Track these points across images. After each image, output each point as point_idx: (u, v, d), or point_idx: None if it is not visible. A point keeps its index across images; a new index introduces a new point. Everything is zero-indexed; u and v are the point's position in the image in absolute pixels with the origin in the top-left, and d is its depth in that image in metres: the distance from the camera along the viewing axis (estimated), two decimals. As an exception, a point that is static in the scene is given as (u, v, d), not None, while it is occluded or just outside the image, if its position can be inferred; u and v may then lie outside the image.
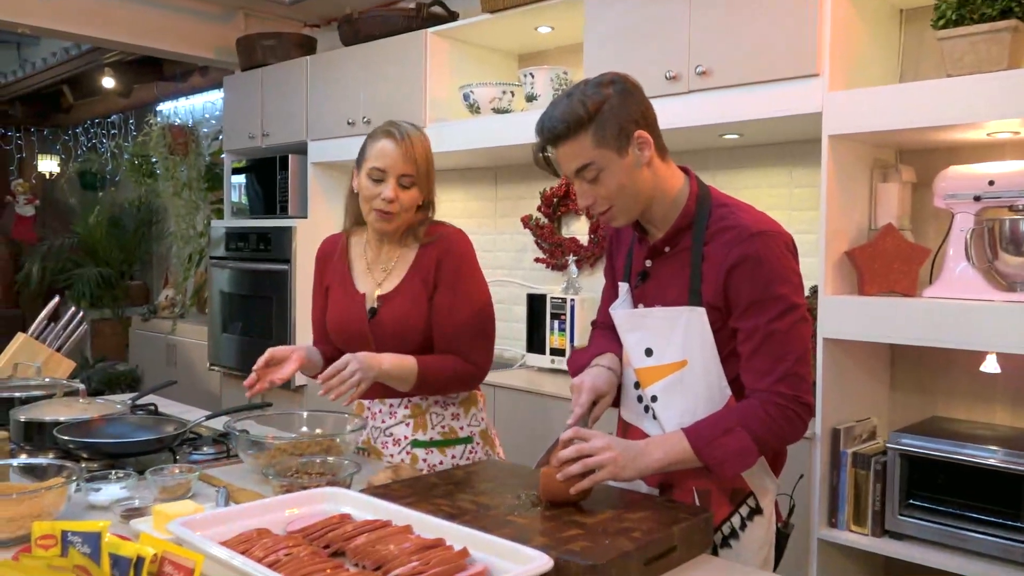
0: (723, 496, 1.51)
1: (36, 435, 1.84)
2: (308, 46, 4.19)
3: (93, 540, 0.90)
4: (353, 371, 1.76)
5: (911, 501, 2.22)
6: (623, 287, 1.66)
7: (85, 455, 1.76)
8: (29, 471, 1.58)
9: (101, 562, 0.89)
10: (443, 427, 1.96)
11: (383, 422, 1.98)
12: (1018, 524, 2.04)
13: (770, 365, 1.44)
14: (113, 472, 1.60)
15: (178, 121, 5.65)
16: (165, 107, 6.34)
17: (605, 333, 1.75)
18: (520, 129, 3.04)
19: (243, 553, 1.18)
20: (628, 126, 1.48)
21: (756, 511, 1.53)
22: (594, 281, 3.38)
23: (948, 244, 2.28)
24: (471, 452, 1.96)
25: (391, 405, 1.97)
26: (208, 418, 2.01)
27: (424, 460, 1.93)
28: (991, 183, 2.18)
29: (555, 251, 3.48)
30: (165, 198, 5.85)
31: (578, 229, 3.46)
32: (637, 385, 1.61)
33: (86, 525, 0.93)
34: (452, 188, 3.97)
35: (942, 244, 2.31)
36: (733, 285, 1.46)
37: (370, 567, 1.19)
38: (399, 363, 1.85)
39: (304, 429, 1.96)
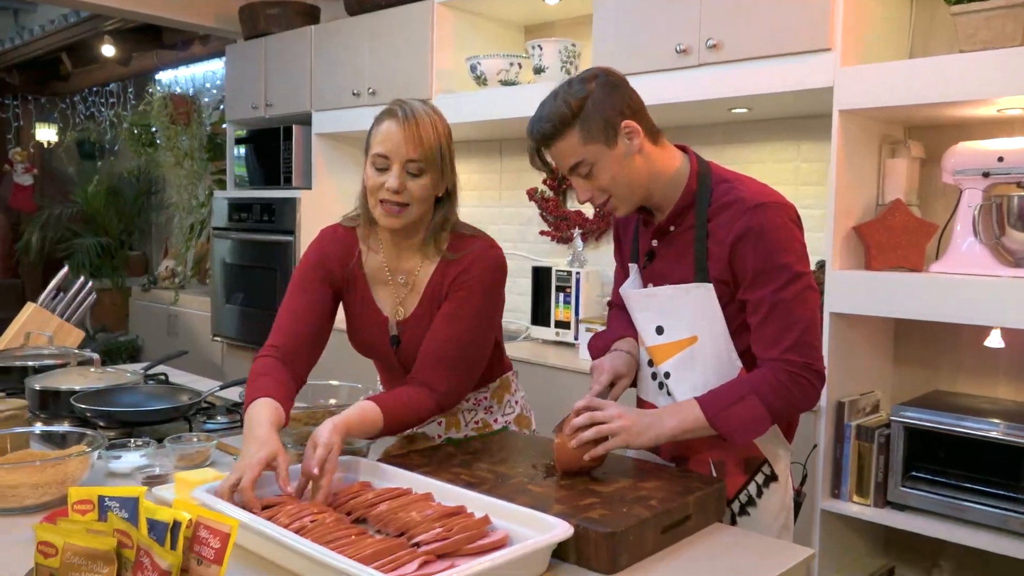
0: (738, 466, 1.54)
1: (52, 403, 1.86)
2: (312, 15, 4.16)
3: (130, 505, 0.91)
4: (321, 458, 1.37)
5: (913, 473, 2.25)
6: (633, 268, 1.67)
7: (102, 423, 1.78)
8: (48, 438, 1.59)
9: (140, 526, 0.91)
10: (476, 422, 1.84)
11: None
12: (1018, 496, 2.07)
13: (779, 334, 1.45)
14: (132, 440, 1.62)
15: (179, 90, 5.61)
16: (164, 76, 6.29)
17: (620, 315, 1.77)
18: (528, 101, 3.02)
19: (269, 520, 1.21)
20: (614, 118, 1.48)
21: (772, 478, 1.56)
22: (599, 255, 3.39)
23: (956, 220, 2.29)
24: None
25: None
26: (222, 388, 2.02)
27: None
28: (1000, 159, 2.19)
29: (560, 224, 3.48)
30: (165, 168, 5.83)
31: (583, 202, 3.45)
32: (651, 363, 1.63)
33: (123, 490, 0.95)
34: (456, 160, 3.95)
35: (950, 220, 2.33)
36: (738, 257, 1.47)
37: (393, 533, 1.22)
38: (357, 417, 1.51)
39: (320, 400, 1.98)
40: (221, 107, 5.34)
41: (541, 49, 2.97)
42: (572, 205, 3.51)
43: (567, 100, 1.47)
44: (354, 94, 3.63)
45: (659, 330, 1.57)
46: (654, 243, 1.61)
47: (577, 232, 3.30)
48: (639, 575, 1.19)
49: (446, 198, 1.67)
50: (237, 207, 4.20)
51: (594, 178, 1.50)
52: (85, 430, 1.54)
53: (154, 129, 5.61)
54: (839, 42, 2.26)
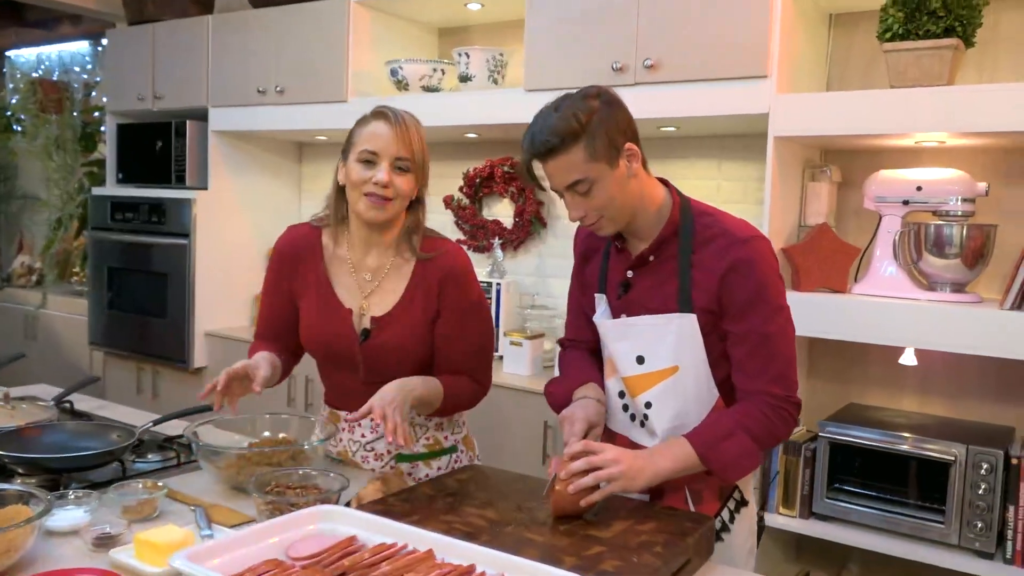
0: (713, 494, 1.56)
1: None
2: (205, 3, 3.89)
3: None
4: (380, 415, 1.55)
5: (835, 485, 2.36)
6: (600, 298, 1.65)
7: (21, 471, 1.59)
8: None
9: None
10: (428, 439, 1.86)
11: (363, 436, 1.84)
12: (933, 505, 2.21)
13: (762, 367, 1.48)
14: (72, 492, 1.45)
15: (42, 72, 5.12)
16: (19, 54, 5.72)
17: (579, 356, 1.74)
18: (451, 109, 2.96)
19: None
20: (617, 138, 1.47)
21: (742, 503, 1.59)
22: (517, 264, 3.37)
23: (876, 244, 2.42)
24: (455, 461, 1.89)
25: (373, 421, 1.72)
26: (156, 423, 1.85)
27: (409, 474, 1.84)
28: (919, 188, 2.32)
29: (477, 233, 3.43)
30: (23, 156, 5.32)
31: (500, 211, 3.42)
32: (622, 394, 1.63)
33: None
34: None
35: (870, 243, 2.45)
36: (727, 289, 1.49)
37: (401, 598, 1.15)
38: (431, 388, 1.72)
39: (267, 434, 1.85)
40: (93, 93, 4.93)
41: (468, 57, 2.90)
42: (488, 214, 3.46)
43: (575, 115, 1.44)
44: (259, 92, 3.43)
45: (640, 360, 1.56)
46: (629, 273, 1.60)
47: (497, 242, 3.26)
48: (659, 628, 1.17)
49: (418, 201, 1.79)
50: (120, 206, 3.88)
51: (592, 197, 1.48)
52: (12, 485, 1.36)
53: (8, 113, 5.11)
54: (775, 69, 2.33)
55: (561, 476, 1.38)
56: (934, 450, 2.20)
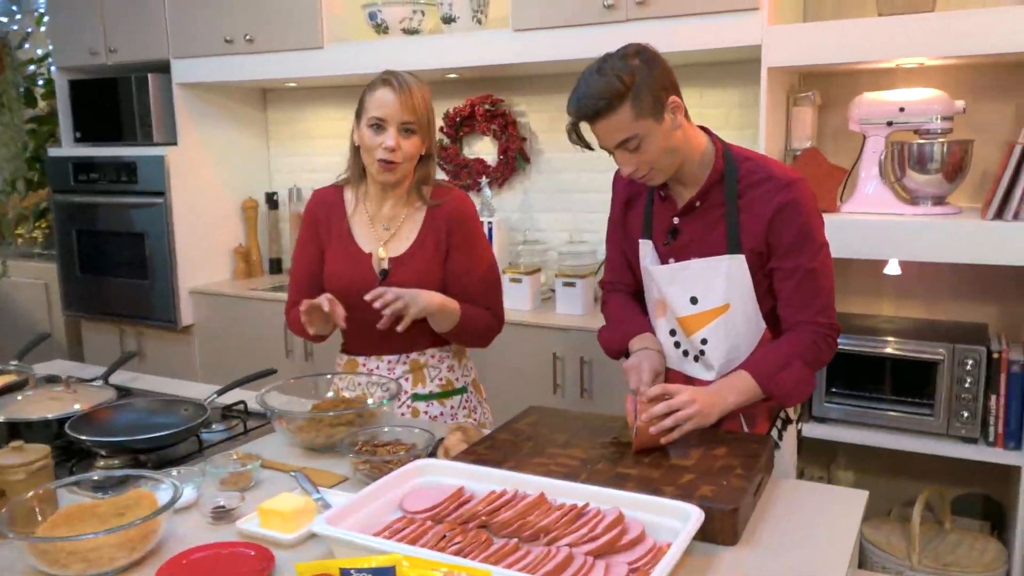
0: (764, 417, 1.71)
1: (31, 437, 1.66)
2: (150, -54, 3.70)
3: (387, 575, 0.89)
4: (394, 296, 1.79)
5: (832, 389, 2.57)
6: (647, 244, 1.75)
7: (103, 452, 1.63)
8: (78, 483, 1.44)
9: (406, 596, 0.89)
10: (441, 379, 2.01)
11: (380, 379, 1.96)
12: (922, 400, 2.44)
13: (808, 300, 1.62)
14: (175, 470, 1.51)
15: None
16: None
17: (624, 301, 1.85)
18: (436, 52, 2.96)
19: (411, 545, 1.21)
20: (660, 94, 1.55)
21: (788, 421, 1.75)
22: (503, 201, 3.43)
23: (861, 164, 2.57)
24: (467, 401, 2.04)
25: (389, 362, 1.99)
26: (220, 393, 1.90)
27: (425, 412, 1.98)
28: (902, 109, 2.46)
29: (460, 172, 3.47)
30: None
31: (482, 149, 3.46)
32: (673, 332, 1.75)
33: (368, 560, 0.91)
34: (341, 107, 3.78)
35: (855, 164, 2.60)
36: (775, 229, 1.60)
37: (525, 539, 1.25)
38: (446, 303, 1.89)
39: (330, 394, 1.92)
40: (26, 45, 4.68)
41: (451, -2, 2.88)
42: (470, 153, 3.49)
43: (619, 76, 1.51)
44: (227, 41, 3.34)
45: (693, 300, 1.67)
46: (676, 220, 1.70)
47: (485, 180, 3.31)
48: (757, 539, 1.32)
49: (427, 156, 1.94)
50: (84, 166, 3.76)
51: (642, 152, 1.56)
52: (136, 471, 1.42)
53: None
54: (765, 2, 2.41)
55: (643, 419, 1.50)
56: (923, 351, 2.41)
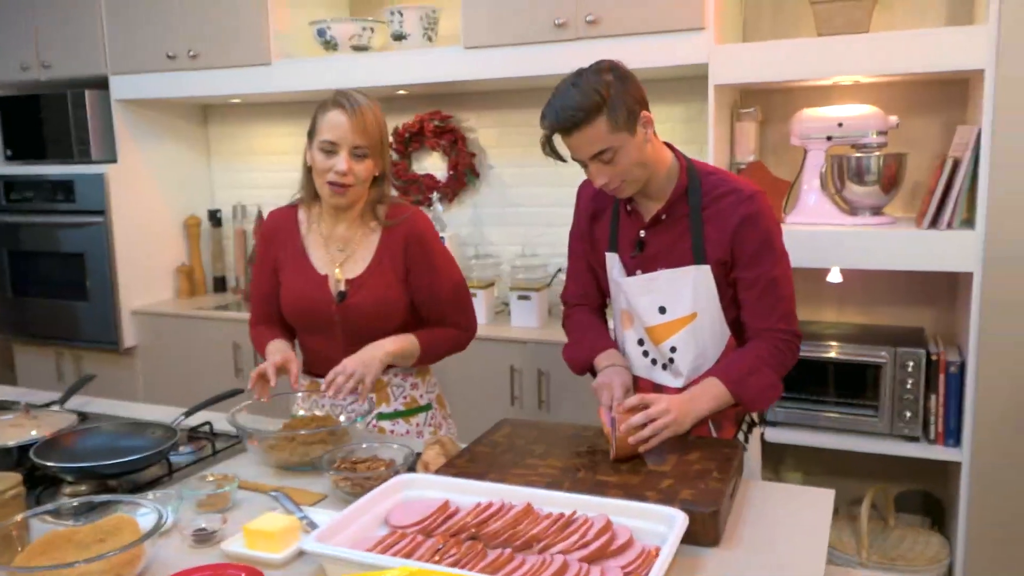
0: (730, 421, 1.77)
1: (-9, 464, 1.61)
2: (84, -40, 3.62)
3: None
4: (350, 372, 1.78)
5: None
6: (612, 257, 1.80)
7: (69, 479, 1.59)
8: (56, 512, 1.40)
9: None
10: (405, 397, 2.01)
11: (344, 399, 1.92)
12: (865, 402, 2.55)
13: (771, 307, 1.69)
14: (150, 494, 1.48)
15: None
16: None
17: (587, 318, 1.90)
18: (386, 69, 2.97)
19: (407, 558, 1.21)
20: (635, 108, 1.61)
21: (752, 424, 1.82)
22: (452, 216, 3.45)
23: (803, 177, 2.68)
24: (432, 418, 2.05)
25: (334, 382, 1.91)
26: (187, 415, 1.86)
27: (391, 431, 1.98)
28: (840, 125, 2.58)
29: (410, 188, 3.47)
30: None
31: (432, 165, 3.47)
32: (641, 342, 1.80)
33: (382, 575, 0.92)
34: (286, 123, 3.75)
35: (797, 176, 2.71)
36: (739, 240, 1.67)
37: (518, 548, 1.28)
38: (402, 344, 1.89)
39: (301, 413, 1.90)
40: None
41: (402, 15, 2.90)
42: (419, 168, 3.50)
43: (596, 89, 1.55)
44: (170, 57, 3.28)
45: (662, 310, 1.73)
46: (642, 233, 1.76)
47: (436, 196, 3.33)
48: (738, 539, 1.37)
49: (381, 177, 1.93)
50: (16, 185, 3.63)
51: (615, 164, 1.61)
52: (119, 496, 1.39)
53: None
54: (712, 21, 2.50)
55: (622, 430, 1.54)
56: (867, 355, 2.52)
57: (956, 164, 2.34)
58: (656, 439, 1.55)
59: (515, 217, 3.35)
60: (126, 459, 1.58)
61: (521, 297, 3.00)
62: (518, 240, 3.33)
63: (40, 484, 1.61)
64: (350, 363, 1.79)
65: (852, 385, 2.57)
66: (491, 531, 1.32)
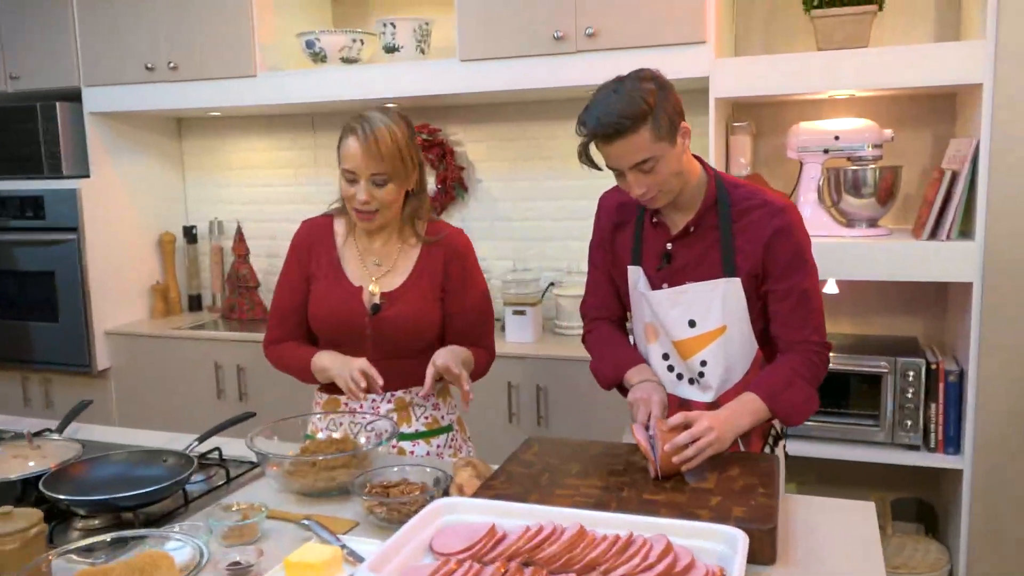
0: (758, 435, 1.75)
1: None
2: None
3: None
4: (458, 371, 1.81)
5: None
6: (637, 270, 1.77)
7: (83, 512, 1.50)
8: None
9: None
10: (427, 418, 1.96)
11: (364, 418, 1.89)
12: (867, 412, 2.56)
13: (803, 320, 1.68)
14: (177, 526, 1.40)
15: None
16: None
17: (612, 333, 1.86)
18: (379, 81, 2.91)
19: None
20: (675, 118, 1.59)
21: (779, 436, 1.80)
22: (441, 230, 3.39)
23: (799, 190, 2.70)
24: (452, 440, 1.99)
25: (373, 401, 1.92)
26: (200, 440, 1.78)
27: (411, 452, 1.93)
28: (836, 138, 2.61)
29: (396, 202, 3.41)
30: None
31: (418, 178, 3.42)
32: (666, 356, 1.77)
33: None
34: (264, 136, 3.66)
35: (794, 189, 2.73)
36: (772, 252, 1.66)
37: (578, 573, 1.24)
38: (468, 354, 1.91)
39: (320, 436, 1.83)
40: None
41: (394, 27, 2.86)
42: (405, 182, 3.45)
43: (642, 97, 1.53)
44: (148, 68, 3.18)
45: (691, 323, 1.71)
46: (669, 245, 1.73)
47: (424, 211, 3.27)
48: (792, 556, 1.35)
49: (417, 191, 1.89)
50: (-20, 201, 3.47)
51: (655, 173, 1.59)
52: (144, 531, 1.31)
53: None
54: (712, 35, 2.51)
55: (666, 449, 1.50)
56: (868, 365, 2.54)
57: (955, 176, 2.38)
58: (699, 458, 1.52)
59: (505, 231, 3.32)
60: (144, 490, 1.49)
61: (516, 312, 2.96)
62: (509, 255, 3.29)
63: (50, 520, 1.51)
64: (443, 357, 1.81)
65: (852, 395, 2.59)
66: (547, 556, 1.28)
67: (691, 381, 1.75)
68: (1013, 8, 2.23)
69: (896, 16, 2.71)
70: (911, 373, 2.49)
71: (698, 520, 1.34)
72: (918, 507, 2.94)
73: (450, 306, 1.92)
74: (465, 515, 1.42)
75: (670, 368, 1.78)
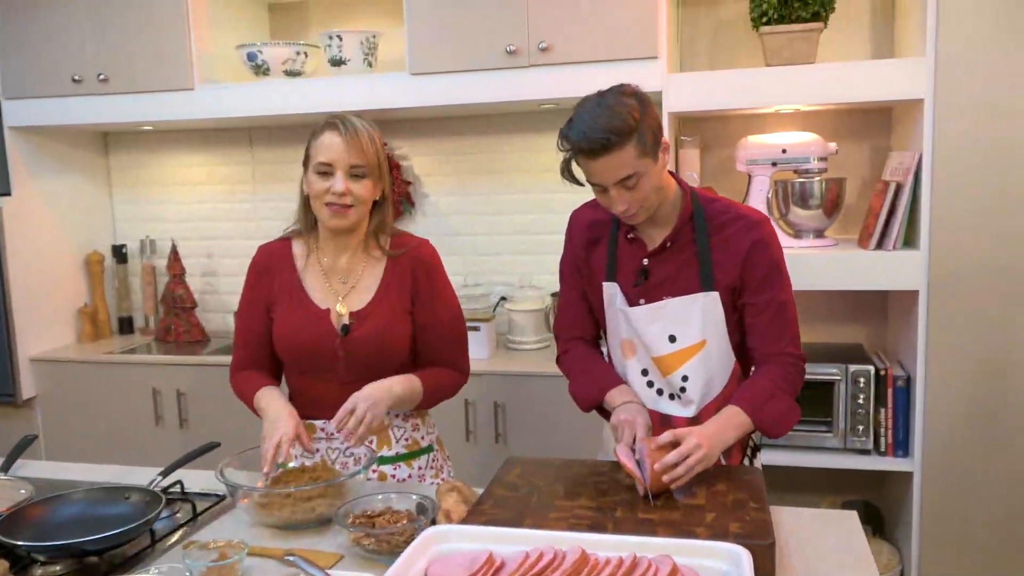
0: (738, 447, 1.76)
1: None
2: (-35, -26, 3.29)
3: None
4: (363, 412, 1.67)
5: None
6: (612, 287, 1.76)
7: (43, 558, 1.39)
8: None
9: None
10: (407, 439, 1.90)
11: (343, 443, 1.81)
12: (820, 419, 2.63)
13: (780, 331, 1.70)
14: (155, 568, 1.31)
15: None
16: None
17: (587, 353, 1.84)
18: (324, 94, 2.84)
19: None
20: (657, 134, 1.59)
21: (756, 448, 1.82)
22: (387, 246, 3.33)
23: (748, 202, 2.75)
24: (433, 461, 1.95)
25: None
26: (164, 474, 1.67)
27: (393, 476, 1.87)
28: (784, 151, 2.68)
29: (341, 218, 3.33)
30: None
31: (363, 194, 3.35)
32: (645, 372, 1.77)
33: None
34: (200, 151, 3.52)
35: (743, 201, 2.78)
36: (749, 265, 1.67)
37: (585, 599, 1.21)
38: (408, 386, 1.79)
39: (292, 464, 1.74)
40: None
41: (340, 40, 2.79)
42: (349, 197, 3.37)
43: (629, 112, 1.52)
44: (75, 80, 3.02)
45: (671, 338, 1.71)
46: (645, 261, 1.73)
47: (371, 227, 3.21)
48: (789, 568, 1.35)
49: (382, 202, 1.84)
50: None
51: (637, 190, 1.58)
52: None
53: None
54: (664, 50, 2.54)
55: (656, 468, 1.49)
56: (821, 372, 2.60)
57: (899, 188, 2.46)
58: (688, 475, 1.51)
59: (454, 246, 3.28)
60: (112, 532, 1.39)
61: (471, 328, 2.91)
62: (459, 270, 3.25)
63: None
64: (361, 401, 1.68)
65: (805, 402, 2.63)
66: (554, 582, 1.25)
67: (672, 396, 1.75)
68: (950, 27, 2.33)
69: (834, 33, 2.80)
70: (862, 379, 2.56)
71: (696, 538, 1.34)
72: (865, 509, 3.02)
73: (419, 317, 1.85)
74: (458, 543, 1.37)
75: (650, 384, 1.78)
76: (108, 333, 3.55)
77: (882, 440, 2.59)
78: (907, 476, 2.58)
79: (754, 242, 1.66)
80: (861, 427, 2.58)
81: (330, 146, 1.73)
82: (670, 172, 1.74)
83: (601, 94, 1.58)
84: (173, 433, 3.07)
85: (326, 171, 1.73)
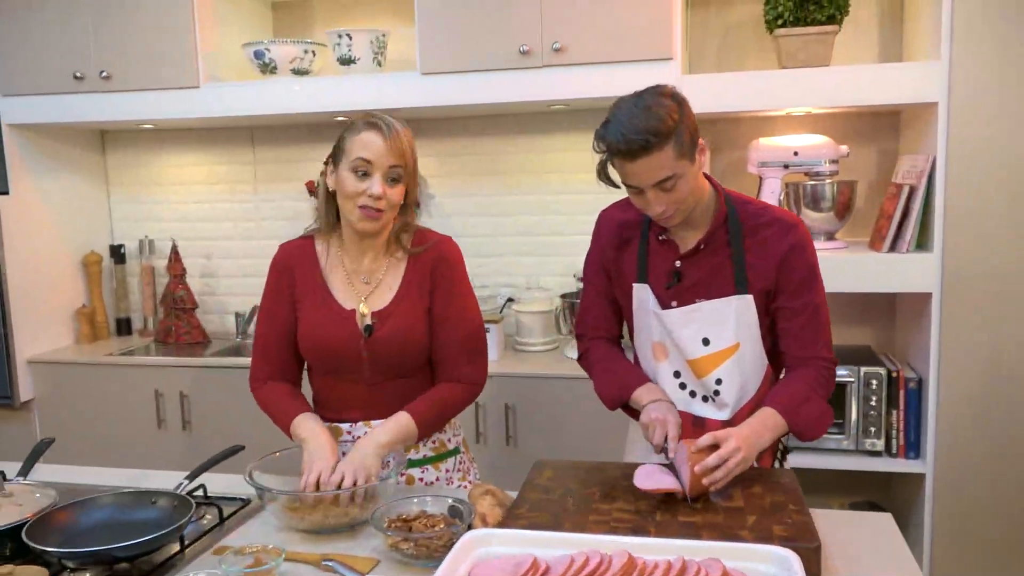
0: (769, 450, 1.75)
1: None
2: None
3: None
4: (350, 482, 1.58)
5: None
6: (643, 288, 1.75)
7: (72, 566, 1.36)
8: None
9: None
10: (434, 442, 1.87)
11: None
12: (836, 421, 2.62)
13: (815, 335, 1.69)
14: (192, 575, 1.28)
15: None
16: None
17: (610, 351, 1.82)
18: (333, 94, 2.81)
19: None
20: (695, 135, 1.58)
21: (785, 451, 1.81)
22: (392, 247, 3.30)
23: (760, 203, 2.75)
24: (460, 463, 1.92)
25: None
26: (190, 478, 1.64)
27: (420, 479, 1.85)
28: (796, 153, 2.68)
29: (345, 218, 3.30)
30: None
31: (367, 194, 3.32)
32: (677, 374, 1.76)
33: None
34: (199, 150, 3.48)
35: (754, 203, 2.78)
36: (786, 269, 1.66)
37: (635, 603, 1.20)
38: (396, 428, 1.73)
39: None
40: None
41: (350, 38, 2.76)
42: (354, 197, 3.34)
43: (668, 113, 1.51)
44: (77, 77, 2.96)
45: (705, 341, 1.69)
46: (678, 263, 1.72)
47: (377, 227, 3.18)
48: (833, 571, 1.34)
49: (409, 204, 1.81)
50: None
51: (675, 191, 1.56)
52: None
53: None
54: (679, 51, 2.53)
55: (696, 471, 1.48)
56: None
57: (912, 191, 2.47)
58: (727, 479, 1.50)
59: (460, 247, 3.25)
60: (144, 538, 1.36)
61: (480, 330, 2.89)
62: (465, 271, 3.23)
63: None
64: (347, 469, 1.60)
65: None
66: (603, 587, 1.23)
67: (705, 399, 1.74)
68: (964, 31, 2.35)
69: (843, 36, 2.81)
70: (874, 381, 2.57)
71: (741, 541, 1.33)
72: (871, 510, 3.03)
73: (436, 310, 1.80)
74: (500, 547, 1.35)
75: (682, 386, 1.76)
76: (106, 334, 3.50)
77: (894, 442, 2.60)
78: (919, 478, 2.59)
79: (791, 246, 1.66)
80: (873, 429, 2.58)
81: (371, 144, 1.69)
82: (704, 174, 1.73)
83: (638, 95, 1.56)
84: (176, 436, 3.02)
85: (365, 169, 1.69)
